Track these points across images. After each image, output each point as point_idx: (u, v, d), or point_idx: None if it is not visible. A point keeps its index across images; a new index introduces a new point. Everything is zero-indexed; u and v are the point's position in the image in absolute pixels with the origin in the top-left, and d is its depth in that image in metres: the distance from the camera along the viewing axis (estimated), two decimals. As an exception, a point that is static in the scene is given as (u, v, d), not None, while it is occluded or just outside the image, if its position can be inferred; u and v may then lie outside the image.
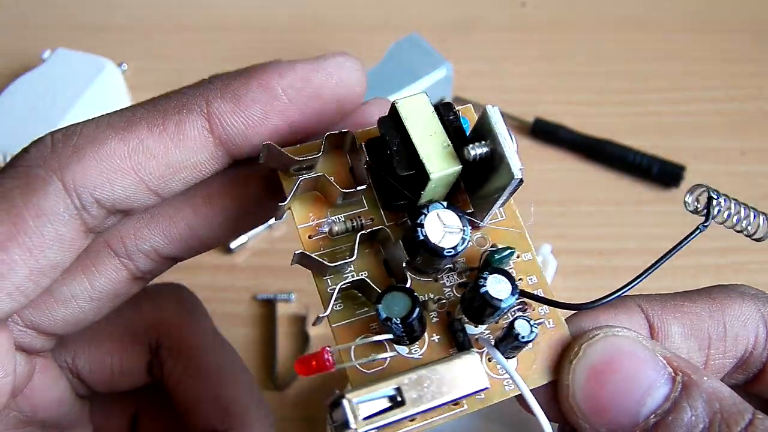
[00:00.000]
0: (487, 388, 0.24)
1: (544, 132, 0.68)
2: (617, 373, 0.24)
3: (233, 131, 0.26)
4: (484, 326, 0.27)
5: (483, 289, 0.24)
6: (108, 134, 0.25)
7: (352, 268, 0.26)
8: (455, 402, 0.24)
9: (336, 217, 0.27)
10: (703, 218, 0.26)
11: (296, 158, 0.25)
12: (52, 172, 0.24)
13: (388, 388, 0.23)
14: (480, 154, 0.25)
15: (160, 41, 0.77)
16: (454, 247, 0.24)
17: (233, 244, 0.60)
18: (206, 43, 0.77)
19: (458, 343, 0.26)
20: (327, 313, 0.25)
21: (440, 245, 0.24)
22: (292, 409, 0.54)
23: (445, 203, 0.25)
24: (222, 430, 0.32)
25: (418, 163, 0.25)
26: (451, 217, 0.25)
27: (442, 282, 0.27)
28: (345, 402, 0.22)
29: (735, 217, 0.26)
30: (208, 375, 0.32)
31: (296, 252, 0.25)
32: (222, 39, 0.77)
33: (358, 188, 0.26)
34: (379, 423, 0.22)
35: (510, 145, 0.24)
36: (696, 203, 0.26)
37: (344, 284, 0.25)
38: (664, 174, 0.65)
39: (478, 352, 0.25)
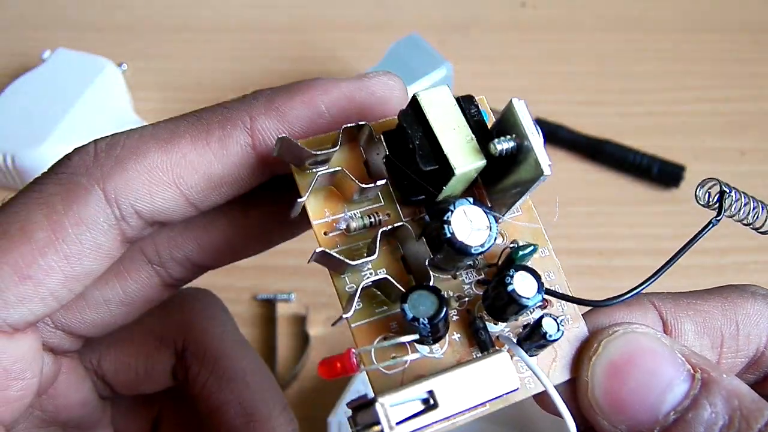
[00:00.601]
0: (517, 389, 0.23)
1: (544, 132, 0.68)
2: (637, 370, 0.24)
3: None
4: (505, 324, 0.26)
5: (510, 288, 0.24)
6: (151, 146, 0.25)
7: (370, 266, 0.25)
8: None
9: (352, 212, 0.26)
10: (715, 212, 0.26)
11: (314, 152, 0.24)
12: (95, 181, 0.24)
13: (421, 390, 0.22)
14: (506, 149, 0.24)
15: (160, 41, 0.77)
16: (482, 245, 0.23)
17: (233, 244, 0.60)
18: (206, 43, 0.77)
19: (480, 342, 0.26)
20: (350, 314, 0.24)
21: (467, 243, 0.23)
22: (292, 409, 0.54)
23: (471, 199, 0.24)
24: None
25: (441, 157, 0.24)
26: (477, 214, 0.24)
27: (461, 279, 0.26)
28: (378, 406, 0.21)
29: (743, 210, 0.26)
30: (233, 379, 0.33)
31: (316, 250, 0.24)
32: (222, 39, 0.77)
33: (378, 183, 0.25)
34: (413, 427, 0.21)
35: (538, 140, 0.24)
36: (707, 197, 0.26)
37: (366, 284, 0.24)
38: (664, 174, 0.65)
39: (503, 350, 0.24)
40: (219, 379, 0.32)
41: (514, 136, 0.24)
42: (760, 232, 0.27)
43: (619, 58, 0.76)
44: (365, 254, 0.25)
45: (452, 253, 0.24)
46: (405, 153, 0.25)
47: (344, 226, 0.25)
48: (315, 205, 0.26)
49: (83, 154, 0.25)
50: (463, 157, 0.24)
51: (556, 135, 0.68)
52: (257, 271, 0.60)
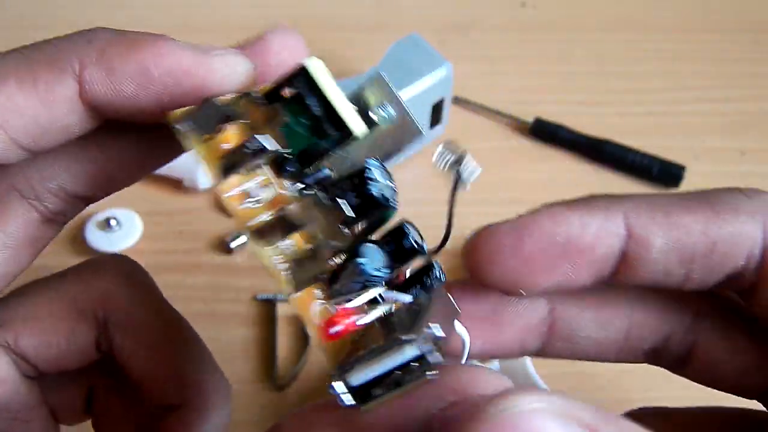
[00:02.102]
0: None
1: (544, 132, 0.68)
2: None
3: (102, 101, 0.25)
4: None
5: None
6: None
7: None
8: None
9: (254, 183, 0.25)
10: (455, 176, 0.26)
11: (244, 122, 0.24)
12: None
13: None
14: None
15: (160, 41, 0.77)
16: (395, 200, 0.25)
17: (233, 244, 0.60)
18: (206, 43, 0.77)
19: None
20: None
21: (389, 199, 0.24)
22: (293, 409, 0.54)
23: (378, 159, 0.25)
24: (177, 403, 0.31)
25: (340, 124, 0.25)
26: (381, 173, 0.25)
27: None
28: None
29: (468, 172, 0.26)
30: (160, 348, 0.31)
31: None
32: (222, 39, 0.76)
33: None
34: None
35: (410, 107, 0.26)
36: (445, 161, 0.26)
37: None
38: (664, 174, 0.65)
39: None
40: (145, 349, 0.31)
41: (390, 103, 0.26)
42: (460, 189, 0.26)
43: (619, 58, 0.76)
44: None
45: (372, 210, 0.24)
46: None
47: (256, 199, 0.25)
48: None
49: None
50: (357, 122, 0.25)
51: (556, 135, 0.68)
52: (257, 271, 0.60)
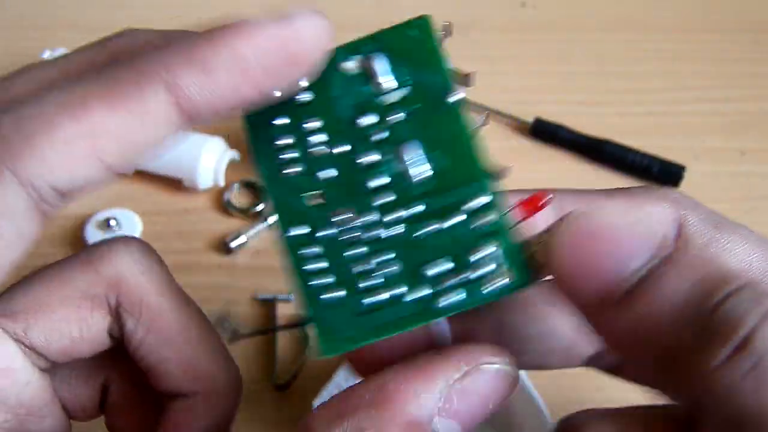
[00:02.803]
0: None
1: (544, 132, 0.68)
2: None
3: (201, 104, 0.23)
4: None
5: None
6: (62, 116, 0.22)
7: None
8: None
9: None
10: None
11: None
12: (5, 166, 0.22)
13: None
14: None
15: (160, 41, 0.77)
16: None
17: (233, 244, 0.60)
18: (206, 43, 0.77)
19: None
20: None
21: None
22: (293, 409, 0.54)
23: None
24: (189, 392, 0.30)
25: None
26: None
27: None
28: None
29: None
30: (172, 335, 0.30)
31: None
32: (222, 39, 0.77)
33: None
34: None
35: None
36: None
37: None
38: (664, 174, 0.65)
39: None
40: (157, 336, 0.29)
41: None
42: None
43: (619, 58, 0.76)
44: None
45: None
46: None
47: None
48: None
49: None
50: None
51: (556, 135, 0.68)
52: (257, 271, 0.60)
